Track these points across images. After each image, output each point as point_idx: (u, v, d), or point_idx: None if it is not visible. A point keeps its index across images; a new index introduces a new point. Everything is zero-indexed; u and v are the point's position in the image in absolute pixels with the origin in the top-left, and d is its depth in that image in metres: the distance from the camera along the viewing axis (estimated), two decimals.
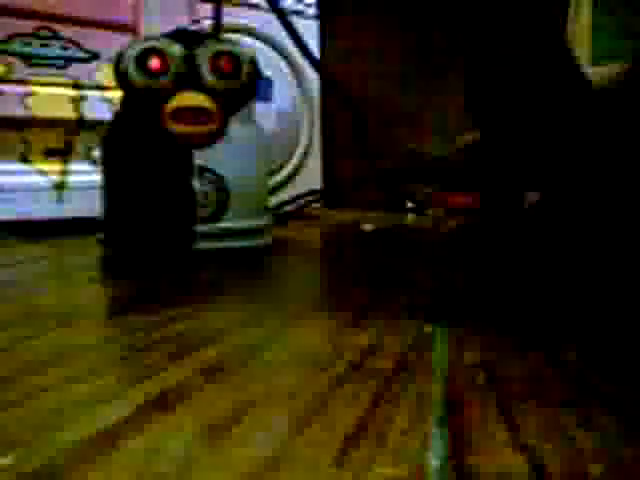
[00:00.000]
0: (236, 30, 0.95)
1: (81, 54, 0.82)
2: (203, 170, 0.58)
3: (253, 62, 0.61)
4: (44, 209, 0.79)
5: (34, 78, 0.79)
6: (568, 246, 0.57)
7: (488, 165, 0.66)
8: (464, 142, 0.71)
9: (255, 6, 0.98)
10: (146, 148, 0.58)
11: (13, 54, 0.77)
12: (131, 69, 0.57)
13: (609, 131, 0.54)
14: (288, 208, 0.98)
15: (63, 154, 0.82)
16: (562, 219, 0.58)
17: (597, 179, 0.55)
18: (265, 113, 0.95)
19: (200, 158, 0.58)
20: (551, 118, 0.57)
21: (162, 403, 0.23)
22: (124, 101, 0.61)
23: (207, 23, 0.86)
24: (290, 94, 1.06)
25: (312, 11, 1.08)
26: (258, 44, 0.99)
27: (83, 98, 0.82)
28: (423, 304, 0.41)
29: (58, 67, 0.80)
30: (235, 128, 0.60)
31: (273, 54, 1.03)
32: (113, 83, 0.61)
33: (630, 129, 0.53)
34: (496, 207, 0.67)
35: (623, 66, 0.59)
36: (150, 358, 0.29)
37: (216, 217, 0.59)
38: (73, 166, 0.82)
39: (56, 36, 0.80)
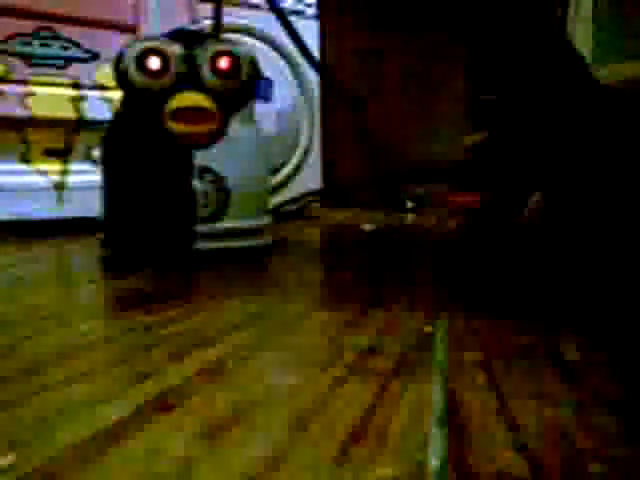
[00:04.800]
0: (236, 30, 0.95)
1: (81, 54, 0.82)
2: (203, 170, 0.58)
3: (253, 62, 0.61)
4: (44, 209, 0.79)
5: (34, 78, 0.79)
6: (570, 246, 0.56)
7: (494, 165, 0.66)
8: (470, 142, 0.71)
9: (255, 6, 0.98)
10: (146, 148, 0.58)
11: (13, 54, 0.77)
12: (131, 69, 0.57)
13: (614, 131, 0.54)
14: (288, 208, 0.98)
15: (63, 154, 0.82)
16: (564, 219, 0.58)
17: (599, 179, 0.55)
18: (265, 113, 0.95)
19: (200, 158, 0.58)
20: (556, 118, 0.57)
21: (162, 403, 0.23)
22: (124, 101, 0.61)
23: (207, 23, 0.86)
24: (290, 94, 1.06)
25: (312, 11, 1.08)
26: (258, 44, 0.99)
27: (83, 98, 0.82)
28: (423, 304, 0.41)
29: (58, 67, 0.80)
30: (235, 128, 0.60)
31: (273, 54, 1.03)
32: (113, 83, 0.61)
33: (634, 130, 0.52)
34: (499, 207, 0.67)
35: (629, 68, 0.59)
36: (150, 358, 0.29)
37: (216, 217, 0.59)
38: (73, 166, 0.82)
39: (56, 36, 0.80)
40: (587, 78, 0.58)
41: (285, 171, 1.05)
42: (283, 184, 1.04)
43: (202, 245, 0.58)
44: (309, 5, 1.08)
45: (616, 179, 0.54)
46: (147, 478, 0.17)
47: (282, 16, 0.80)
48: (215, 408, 0.22)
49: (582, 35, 0.81)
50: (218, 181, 0.59)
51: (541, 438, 0.20)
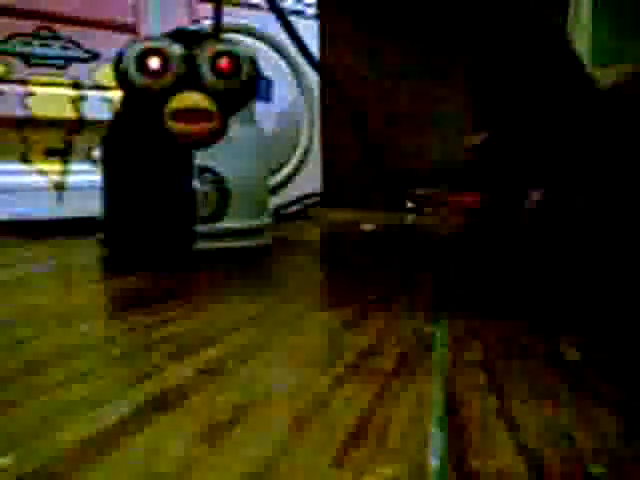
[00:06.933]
0: (236, 30, 0.95)
1: (81, 54, 0.82)
2: (203, 170, 0.58)
3: (253, 62, 0.61)
4: (44, 209, 0.79)
5: (34, 78, 0.79)
6: (570, 245, 0.57)
7: (495, 165, 0.66)
8: (470, 142, 0.71)
9: (255, 6, 0.98)
10: (146, 148, 0.58)
11: (13, 54, 0.77)
12: (131, 69, 0.57)
13: (613, 130, 0.54)
14: (288, 208, 0.98)
15: (63, 154, 0.82)
16: (565, 218, 0.58)
17: (600, 177, 0.55)
18: (265, 113, 0.95)
19: (200, 158, 0.58)
20: (556, 117, 0.57)
21: (162, 403, 0.23)
22: (124, 101, 0.61)
23: (207, 23, 0.86)
24: (290, 94, 1.06)
25: (312, 11, 1.08)
26: (258, 44, 0.99)
27: (83, 98, 0.82)
28: (423, 304, 0.41)
29: (58, 67, 0.80)
30: (235, 128, 0.60)
31: (273, 54, 1.03)
32: (113, 83, 0.61)
33: (633, 129, 0.53)
34: (500, 206, 0.67)
35: (629, 68, 0.59)
36: (150, 358, 0.29)
37: (216, 217, 0.59)
38: (73, 166, 0.82)
39: (56, 36, 0.80)
40: (585, 79, 0.58)
41: (285, 171, 1.05)
42: (283, 184, 1.04)
43: (202, 245, 0.58)
44: (309, 5, 1.08)
45: (617, 179, 0.54)
46: (147, 478, 0.17)
47: (282, 16, 0.80)
48: (215, 408, 0.22)
49: (581, 36, 0.81)
50: (218, 181, 0.59)
51: (541, 438, 0.20)
